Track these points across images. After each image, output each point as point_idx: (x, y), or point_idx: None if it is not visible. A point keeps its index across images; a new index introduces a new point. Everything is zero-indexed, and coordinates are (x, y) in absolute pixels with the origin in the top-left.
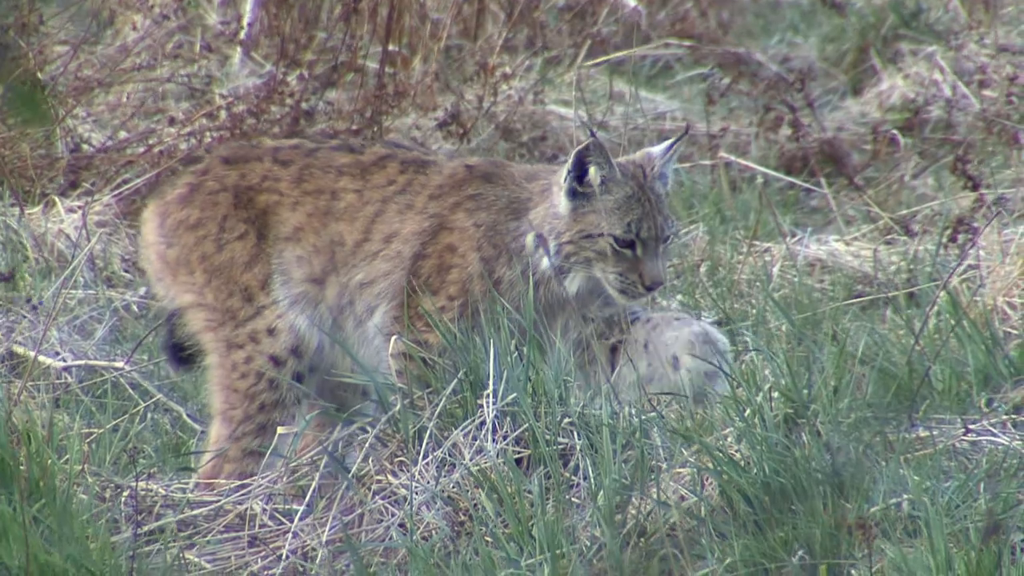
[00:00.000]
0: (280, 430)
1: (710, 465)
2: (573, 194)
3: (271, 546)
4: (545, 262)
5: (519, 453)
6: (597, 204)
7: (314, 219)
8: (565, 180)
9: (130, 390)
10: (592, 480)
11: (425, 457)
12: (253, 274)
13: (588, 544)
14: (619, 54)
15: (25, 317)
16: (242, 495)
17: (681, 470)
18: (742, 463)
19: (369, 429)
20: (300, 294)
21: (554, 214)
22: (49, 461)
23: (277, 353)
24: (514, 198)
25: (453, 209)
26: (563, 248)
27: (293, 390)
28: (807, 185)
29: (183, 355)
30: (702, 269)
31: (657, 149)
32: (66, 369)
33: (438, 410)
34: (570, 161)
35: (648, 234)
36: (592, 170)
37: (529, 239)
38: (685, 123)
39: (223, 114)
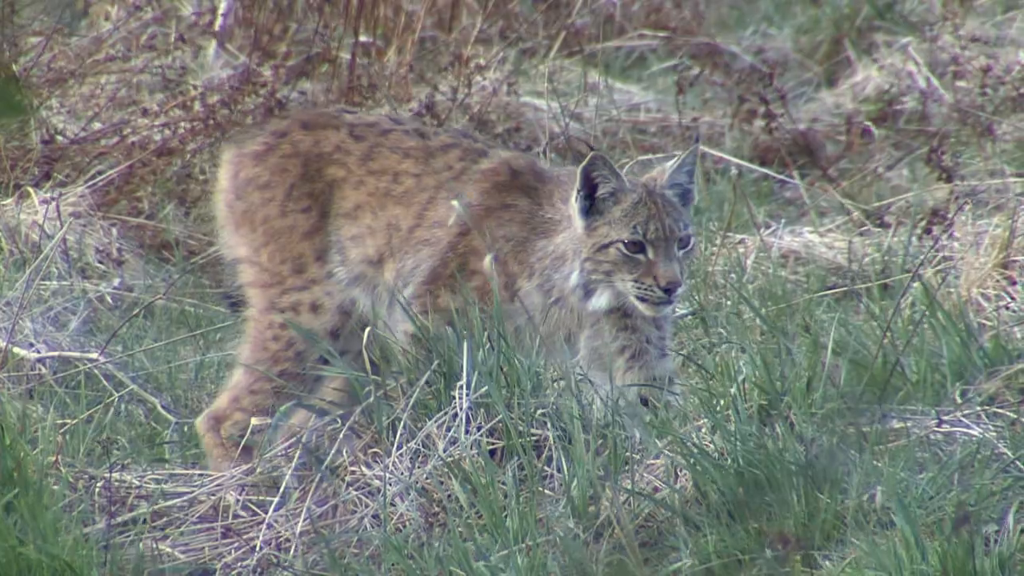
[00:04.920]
0: (253, 421)
1: (683, 457)
2: (586, 212)
3: (245, 537)
4: (573, 279)
5: (493, 444)
6: (608, 215)
7: (373, 199)
8: (576, 199)
9: (104, 381)
10: (566, 471)
11: (399, 448)
12: (309, 245)
13: (561, 535)
14: (593, 46)
15: None
16: (216, 486)
17: (655, 462)
18: (716, 455)
19: (343, 420)
20: (359, 275)
21: (574, 236)
22: (22, 452)
23: (315, 329)
24: (547, 218)
25: (487, 213)
26: (584, 266)
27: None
28: (781, 176)
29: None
30: None
31: (670, 163)
32: (40, 360)
33: (412, 401)
34: (578, 180)
35: (656, 234)
36: (600, 185)
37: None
38: (695, 135)
39: (197, 105)
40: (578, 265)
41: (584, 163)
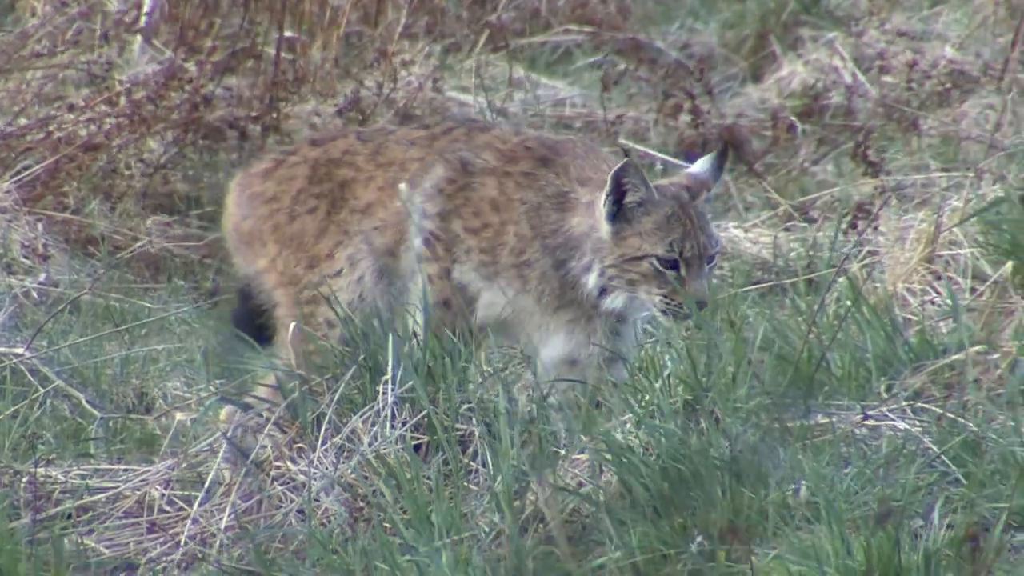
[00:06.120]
0: (178, 416)
1: (608, 452)
2: (613, 217)
3: (170, 532)
4: (591, 281)
5: (418, 439)
6: (638, 226)
7: (384, 193)
8: (605, 204)
9: (29, 376)
10: (491, 466)
11: (324, 443)
12: (322, 246)
13: (487, 530)
14: (519, 41)
15: None
16: (141, 481)
17: (580, 456)
18: (640, 450)
19: (268, 415)
20: (383, 267)
21: (597, 237)
22: None
23: (331, 318)
24: (564, 192)
25: (504, 177)
26: (607, 271)
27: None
28: (620, 162)
29: (258, 328)
30: None
31: (697, 169)
32: None
33: (337, 396)
34: (608, 184)
35: (692, 253)
36: (629, 192)
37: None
38: (724, 143)
39: (123, 100)
40: (597, 267)
41: (616, 168)
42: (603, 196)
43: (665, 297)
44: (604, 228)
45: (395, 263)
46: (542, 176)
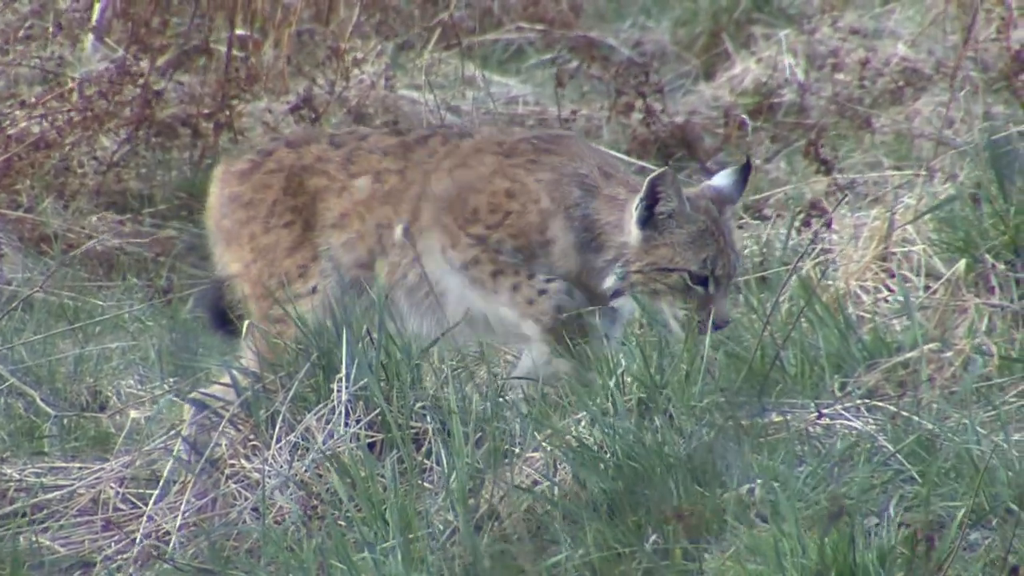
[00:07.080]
0: (132, 414)
1: (562, 450)
2: (644, 223)
3: (125, 530)
4: (609, 281)
5: (372, 437)
6: (669, 237)
7: (359, 205)
8: (637, 208)
9: None
10: (445, 464)
11: (278, 441)
12: (293, 261)
13: (441, 528)
14: (471, 39)
15: None
16: (95, 479)
17: (534, 455)
18: (595, 448)
19: (223, 413)
20: (353, 279)
21: (622, 241)
22: None
23: (299, 338)
24: (583, 174)
25: (511, 168)
26: (631, 276)
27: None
28: (659, 169)
29: (228, 324)
30: None
31: (722, 181)
32: None
33: (291, 394)
34: (643, 190)
35: (722, 271)
36: (662, 201)
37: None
38: (746, 156)
39: (75, 97)
40: (620, 271)
41: (654, 175)
42: (636, 200)
43: (689, 312)
44: (633, 233)
45: (370, 275)
46: (558, 162)
